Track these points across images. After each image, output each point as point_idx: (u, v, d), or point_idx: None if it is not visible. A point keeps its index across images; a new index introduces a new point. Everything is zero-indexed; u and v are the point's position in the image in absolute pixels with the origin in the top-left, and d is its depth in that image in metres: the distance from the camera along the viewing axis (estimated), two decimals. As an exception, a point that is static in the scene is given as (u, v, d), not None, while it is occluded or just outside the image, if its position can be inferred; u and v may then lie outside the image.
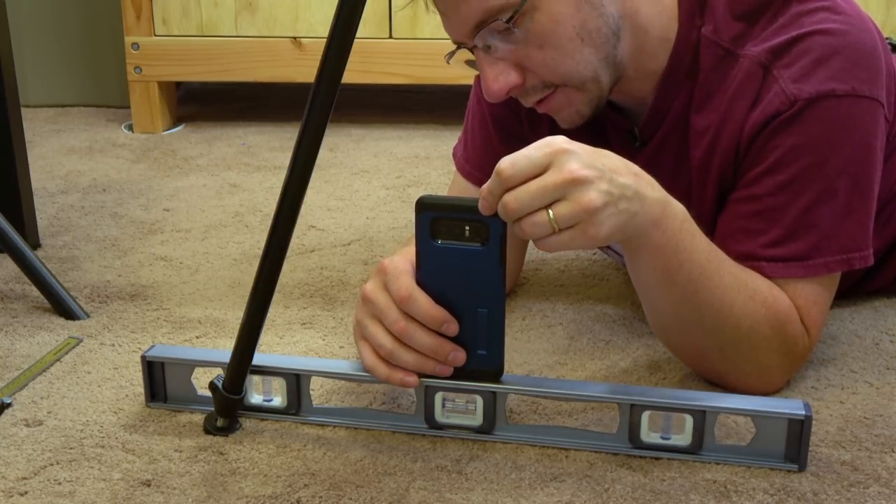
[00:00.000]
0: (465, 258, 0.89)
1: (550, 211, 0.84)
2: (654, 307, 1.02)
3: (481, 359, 0.94)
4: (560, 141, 0.85)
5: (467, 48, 1.01)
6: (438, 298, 0.92)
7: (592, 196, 0.84)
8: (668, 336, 1.05)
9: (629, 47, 1.02)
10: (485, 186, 0.86)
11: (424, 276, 0.92)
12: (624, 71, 1.03)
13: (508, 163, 0.84)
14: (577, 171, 0.83)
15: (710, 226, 1.06)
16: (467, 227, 0.88)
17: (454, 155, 1.27)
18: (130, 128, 2.26)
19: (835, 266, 1.01)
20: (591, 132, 1.11)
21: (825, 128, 0.98)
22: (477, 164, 1.23)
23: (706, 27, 1.03)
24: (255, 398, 1.02)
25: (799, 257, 1.00)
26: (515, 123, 1.19)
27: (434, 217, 0.89)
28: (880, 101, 1.01)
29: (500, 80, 0.99)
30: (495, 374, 0.95)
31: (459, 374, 0.95)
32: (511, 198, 0.84)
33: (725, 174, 1.05)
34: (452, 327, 0.92)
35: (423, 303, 0.92)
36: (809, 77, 0.98)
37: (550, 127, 1.13)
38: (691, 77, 1.05)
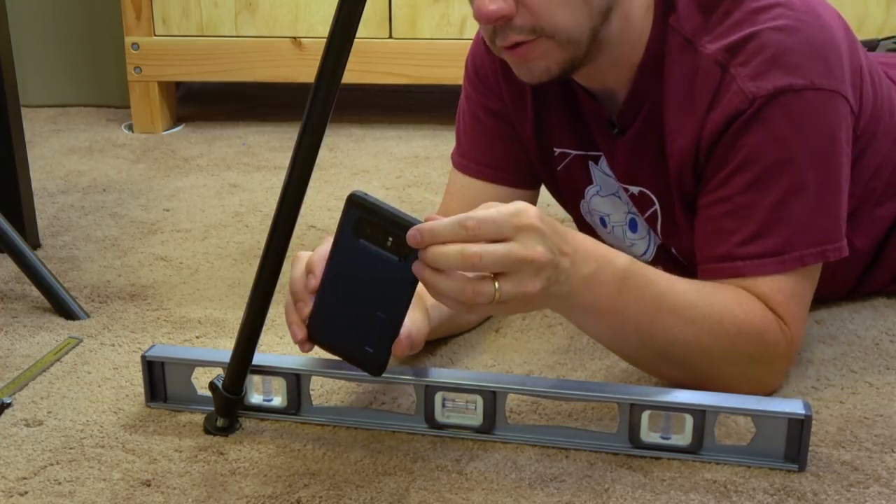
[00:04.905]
0: (380, 264, 0.87)
1: (497, 283, 0.84)
2: (617, 353, 1.04)
3: (366, 354, 0.91)
4: (532, 215, 0.85)
5: None
6: (341, 288, 0.90)
7: (536, 284, 0.85)
8: (646, 371, 1.06)
9: (613, 34, 1.03)
10: (433, 224, 0.83)
11: (335, 264, 0.90)
12: (600, 56, 1.04)
13: (476, 221, 0.83)
14: (541, 255, 0.85)
15: (682, 214, 1.09)
16: (390, 238, 0.86)
17: (452, 159, 1.29)
18: (130, 128, 2.26)
19: (810, 259, 1.01)
20: (575, 120, 1.15)
21: (787, 122, 0.99)
22: (468, 154, 1.25)
23: (672, 17, 1.05)
24: (255, 398, 1.02)
25: (774, 253, 1.00)
26: (501, 106, 1.21)
27: (361, 216, 0.87)
28: (841, 93, 1.01)
29: (495, 5, 0.98)
30: (375, 372, 0.93)
31: (345, 356, 0.93)
32: (476, 250, 0.83)
33: (683, 171, 1.06)
34: (299, 305, 0.93)
35: (297, 267, 0.93)
36: (766, 74, 0.99)
37: (534, 115, 1.18)
38: (662, 67, 1.06)
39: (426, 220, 0.84)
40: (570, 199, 1.26)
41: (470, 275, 0.84)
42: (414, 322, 0.96)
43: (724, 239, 1.02)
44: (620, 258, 0.94)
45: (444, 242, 0.83)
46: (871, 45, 1.61)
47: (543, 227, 0.85)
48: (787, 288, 1.01)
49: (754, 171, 1.00)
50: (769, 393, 1.04)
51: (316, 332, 0.93)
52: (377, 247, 0.86)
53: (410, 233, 0.83)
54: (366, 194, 0.86)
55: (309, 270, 0.92)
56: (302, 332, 0.93)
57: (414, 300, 0.96)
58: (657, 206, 1.14)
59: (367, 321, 0.90)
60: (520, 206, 0.85)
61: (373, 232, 0.86)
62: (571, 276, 0.89)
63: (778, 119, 0.99)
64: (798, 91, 0.99)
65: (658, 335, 0.97)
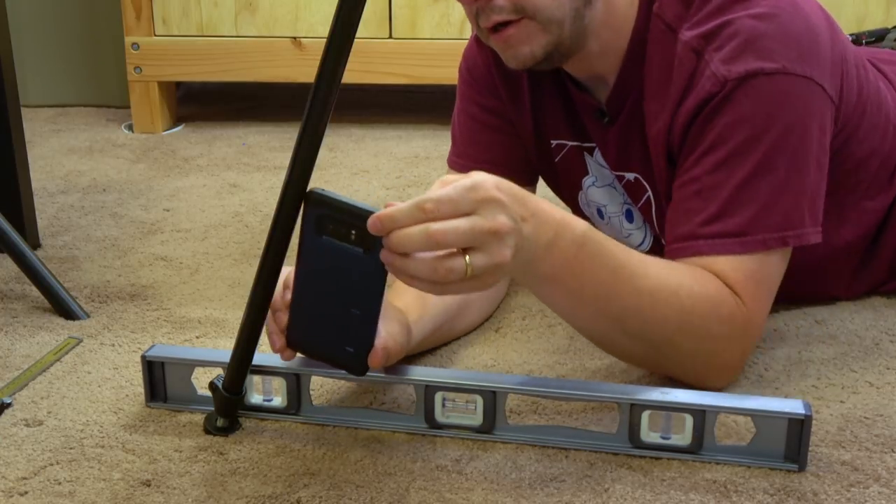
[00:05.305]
0: (347, 259, 0.86)
1: (467, 257, 0.83)
2: (576, 326, 1.03)
3: (348, 355, 0.91)
4: (490, 186, 0.84)
5: None
6: (313, 289, 0.89)
7: (506, 253, 0.84)
8: (606, 348, 1.05)
9: (598, 19, 1.05)
10: (392, 210, 0.83)
11: (303, 266, 0.89)
12: (587, 42, 1.06)
13: (434, 202, 0.82)
14: (504, 225, 0.83)
15: (666, 201, 1.10)
16: (353, 231, 0.85)
17: (448, 161, 1.29)
18: (130, 128, 2.27)
19: (773, 243, 1.01)
20: (568, 112, 1.17)
21: (758, 104, 1.00)
22: (465, 153, 1.25)
23: (655, 4, 1.06)
24: (255, 398, 1.02)
25: (736, 233, 1.00)
26: (497, 103, 1.22)
27: (322, 213, 0.86)
28: (816, 81, 1.02)
29: None
30: (358, 372, 0.92)
31: (328, 360, 0.93)
32: (439, 227, 0.81)
33: (658, 156, 1.07)
34: (278, 315, 0.93)
35: (279, 284, 0.93)
36: (738, 58, 1.00)
37: (531, 102, 1.18)
38: (646, 54, 1.07)
39: (386, 207, 0.83)
40: (569, 190, 1.27)
41: (438, 253, 0.83)
42: (391, 335, 0.94)
43: (689, 219, 1.02)
44: (579, 224, 0.92)
45: (405, 227, 0.82)
46: (880, 35, 1.61)
47: (502, 197, 0.84)
48: (746, 268, 1.00)
49: (723, 151, 1.01)
50: (727, 374, 1.04)
51: (295, 339, 0.93)
52: (342, 242, 0.85)
53: (370, 221, 0.83)
54: (323, 190, 0.86)
55: (286, 286, 0.92)
56: (280, 341, 0.93)
57: (395, 315, 0.96)
58: (650, 193, 1.15)
59: (343, 320, 0.89)
60: (476, 179, 0.84)
61: (335, 227, 0.85)
62: (533, 242, 0.88)
63: (748, 101, 1.00)
64: (770, 74, 1.00)
65: (614, 303, 0.96)
